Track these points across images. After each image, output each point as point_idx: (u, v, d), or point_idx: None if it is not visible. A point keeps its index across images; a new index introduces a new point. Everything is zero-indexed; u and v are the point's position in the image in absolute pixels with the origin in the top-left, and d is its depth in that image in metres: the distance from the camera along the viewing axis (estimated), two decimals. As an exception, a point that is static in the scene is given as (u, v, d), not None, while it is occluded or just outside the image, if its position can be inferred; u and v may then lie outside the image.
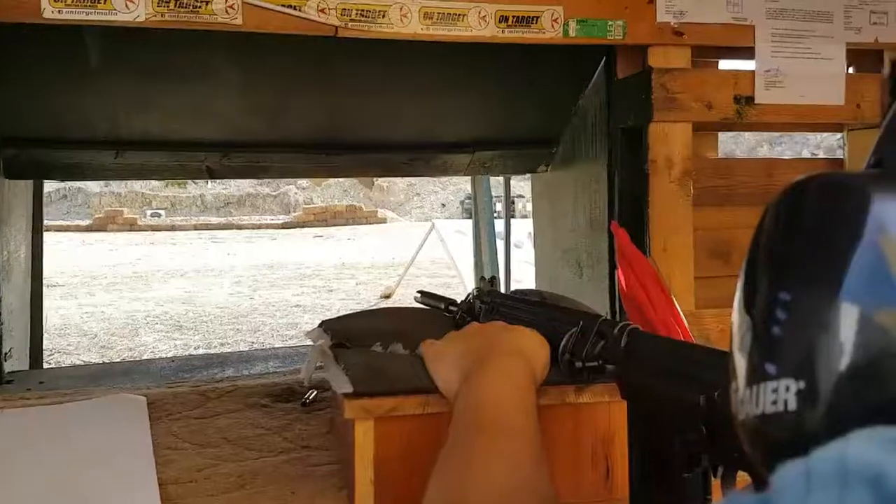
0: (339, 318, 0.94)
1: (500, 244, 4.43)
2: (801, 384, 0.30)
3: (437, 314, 0.99)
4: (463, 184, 28.20)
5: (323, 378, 1.03)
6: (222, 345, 6.60)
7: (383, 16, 1.26)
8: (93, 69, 1.40)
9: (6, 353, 1.38)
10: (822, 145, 19.62)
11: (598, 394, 0.70)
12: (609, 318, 0.73)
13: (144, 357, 6.07)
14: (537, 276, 2.05)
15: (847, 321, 0.29)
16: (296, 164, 1.75)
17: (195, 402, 1.00)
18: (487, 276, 2.83)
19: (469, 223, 11.96)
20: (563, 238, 1.85)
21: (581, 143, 1.73)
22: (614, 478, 0.70)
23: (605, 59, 1.53)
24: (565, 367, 0.71)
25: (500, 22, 1.31)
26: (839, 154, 1.59)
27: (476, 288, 0.93)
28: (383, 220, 24.09)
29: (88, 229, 19.17)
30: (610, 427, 0.70)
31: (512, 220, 3.54)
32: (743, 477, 0.62)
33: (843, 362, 0.29)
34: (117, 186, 25.07)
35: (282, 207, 27.10)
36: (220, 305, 8.80)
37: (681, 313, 1.15)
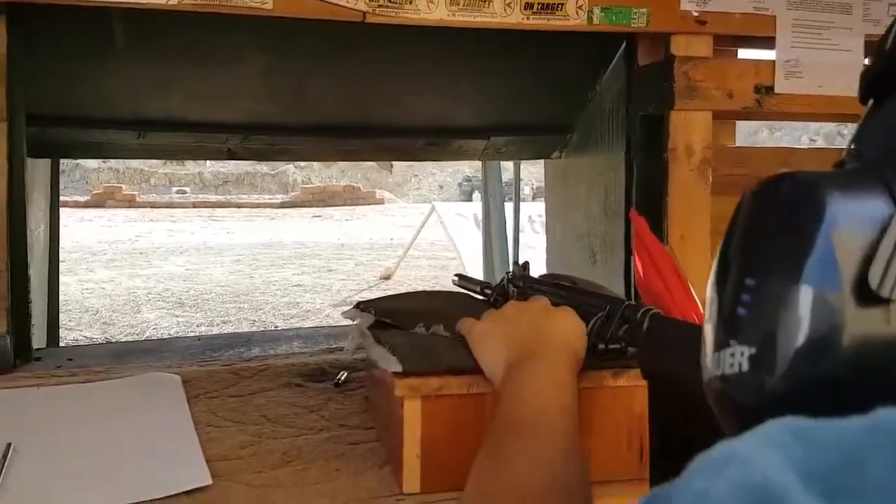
0: (378, 299, 0.96)
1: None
2: (753, 350, 0.35)
3: (474, 297, 1.01)
4: (461, 166, 28.19)
5: (355, 359, 1.05)
6: (224, 323, 6.63)
7: (410, 2, 1.27)
8: (118, 50, 1.41)
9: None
10: (820, 132, 19.62)
11: (634, 377, 0.72)
12: (634, 303, 0.75)
13: (147, 334, 6.10)
14: (549, 261, 2.07)
15: (805, 300, 0.33)
16: (313, 147, 1.76)
17: (229, 381, 1.03)
18: (498, 259, 2.85)
19: (468, 205, 11.96)
20: (576, 224, 1.87)
21: (597, 130, 1.74)
22: (647, 456, 0.72)
23: (624, 46, 1.54)
24: (592, 350, 0.73)
25: (525, 9, 1.32)
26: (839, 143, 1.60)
27: (509, 272, 0.95)
28: (381, 201, 24.06)
29: (87, 205, 19.13)
30: (645, 409, 0.73)
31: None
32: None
33: (801, 336, 0.34)
34: (115, 163, 24.97)
35: (280, 187, 27.05)
36: (220, 283, 8.82)
37: (698, 302, 1.18)
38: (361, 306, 0.92)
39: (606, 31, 1.37)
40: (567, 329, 0.72)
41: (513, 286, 0.93)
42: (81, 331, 6.01)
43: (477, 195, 24.76)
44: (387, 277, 9.08)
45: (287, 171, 27.30)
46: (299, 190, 24.80)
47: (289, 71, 1.59)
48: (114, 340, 5.78)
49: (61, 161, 2.09)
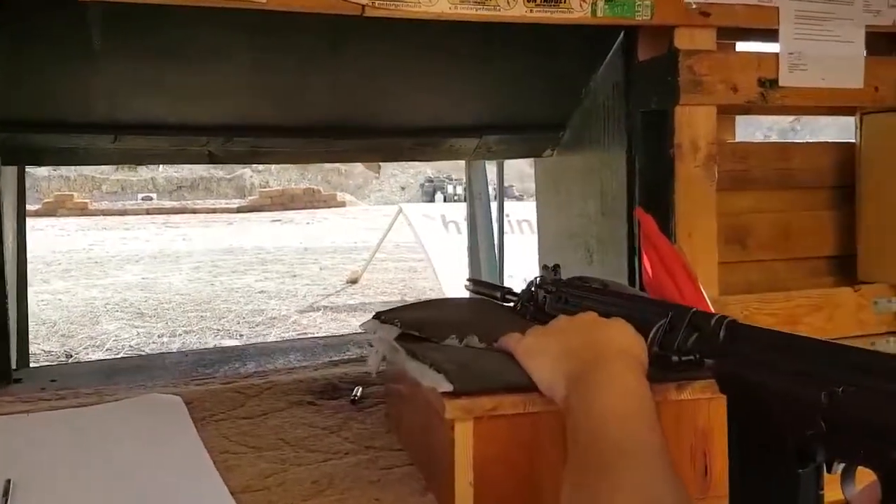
0: (397, 309, 0.89)
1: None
2: None
3: (497, 304, 0.95)
4: (422, 167, 28.12)
5: (365, 374, 0.99)
6: (187, 332, 6.47)
7: (411, -6, 1.21)
8: (93, 48, 1.32)
9: None
10: (774, 128, 20.00)
11: (698, 390, 0.67)
12: (701, 310, 0.70)
13: (107, 346, 5.92)
14: (541, 261, 2.02)
15: None
16: (300, 148, 1.69)
17: (236, 401, 0.95)
18: (485, 261, 2.80)
19: (435, 206, 11.89)
20: (569, 223, 1.83)
21: (591, 127, 1.70)
22: (712, 475, 0.68)
23: (622, 40, 1.49)
24: (655, 360, 0.68)
25: (528, 2, 1.27)
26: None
27: (538, 276, 0.90)
28: (342, 204, 23.88)
29: (37, 214, 18.59)
30: (709, 424, 0.68)
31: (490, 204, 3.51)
32: (863, 472, 0.61)
33: None
34: (66, 170, 24.35)
35: (237, 191, 26.68)
36: (180, 292, 8.63)
37: (708, 300, 1.14)
38: (382, 317, 0.86)
39: (610, 24, 1.33)
40: (627, 337, 0.66)
41: (544, 292, 0.87)
42: (39, 344, 5.80)
43: (439, 196, 24.73)
44: (354, 281, 8.97)
45: (244, 174, 26.94)
46: (257, 194, 24.49)
47: (275, 70, 1.51)
48: (74, 353, 5.60)
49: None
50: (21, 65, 1.33)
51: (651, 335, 0.69)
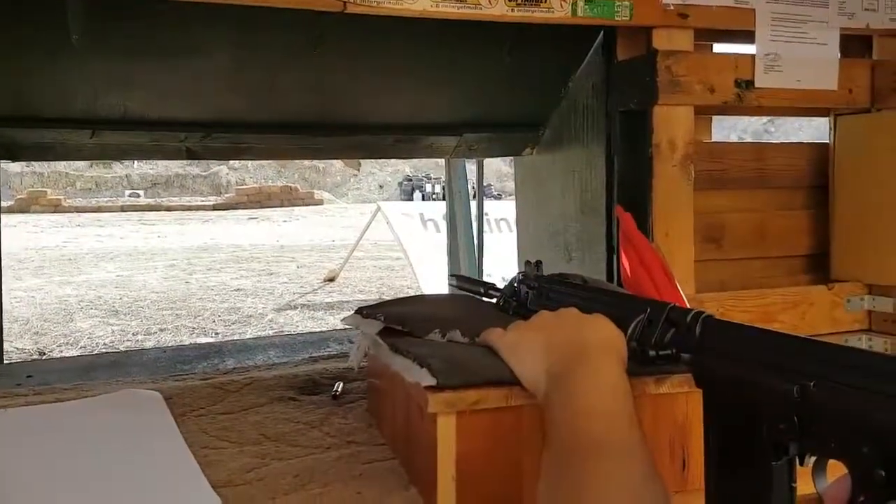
0: (381, 304, 0.90)
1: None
2: None
3: (481, 300, 0.96)
4: (401, 165, 28.08)
5: (345, 369, 0.99)
6: (162, 330, 6.41)
7: (393, -9, 1.21)
8: (71, 42, 1.31)
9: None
10: (748, 129, 20.23)
11: (676, 384, 0.68)
12: (678, 305, 0.71)
13: (81, 344, 5.85)
14: (520, 259, 2.03)
15: None
16: (279, 145, 1.68)
17: (215, 397, 0.95)
18: (465, 259, 2.81)
19: (413, 205, 11.88)
20: (549, 221, 1.84)
21: (570, 126, 1.71)
22: (690, 468, 0.69)
23: (601, 40, 1.51)
24: (633, 355, 0.69)
25: (509, 1, 1.27)
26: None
27: (521, 272, 0.90)
28: (320, 202, 23.77)
29: (10, 210, 18.31)
30: (687, 418, 0.69)
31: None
32: (834, 466, 0.62)
33: None
34: (39, 167, 24.01)
35: (212, 188, 26.46)
36: (155, 290, 8.55)
37: (684, 298, 1.15)
38: (365, 312, 0.86)
39: (589, 24, 1.34)
40: (608, 333, 0.67)
41: (526, 287, 0.88)
42: (12, 341, 5.71)
43: (418, 194, 24.70)
44: (331, 279, 8.94)
45: (220, 172, 26.73)
46: (233, 191, 24.30)
47: (255, 66, 1.51)
48: (47, 351, 5.52)
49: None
50: (-3, 58, 1.31)
51: (629, 330, 0.70)
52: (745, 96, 1.42)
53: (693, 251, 1.42)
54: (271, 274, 9.73)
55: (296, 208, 21.67)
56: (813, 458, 0.63)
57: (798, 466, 0.65)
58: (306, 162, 25.66)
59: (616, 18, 1.34)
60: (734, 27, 1.43)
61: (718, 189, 1.56)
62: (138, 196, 23.54)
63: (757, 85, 1.42)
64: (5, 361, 1.99)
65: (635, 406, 0.59)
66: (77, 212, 20.24)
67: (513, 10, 1.28)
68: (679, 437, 0.69)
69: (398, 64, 1.59)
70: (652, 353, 0.68)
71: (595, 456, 0.54)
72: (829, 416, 0.60)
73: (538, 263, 0.90)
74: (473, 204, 3.65)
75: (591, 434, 0.56)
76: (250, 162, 24.42)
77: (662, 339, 0.69)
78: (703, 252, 1.49)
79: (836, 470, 0.59)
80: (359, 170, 26.46)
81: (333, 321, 6.65)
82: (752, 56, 1.42)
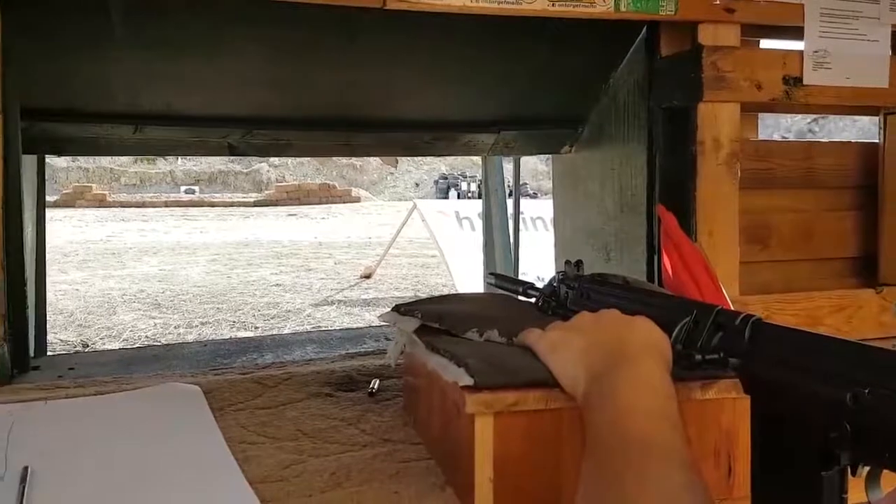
0: (419, 301, 0.89)
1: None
2: None
3: (518, 299, 0.95)
4: (436, 163, 28.11)
5: (380, 366, 0.98)
6: (203, 324, 6.51)
7: (433, -13, 1.20)
8: (115, 38, 1.32)
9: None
10: (791, 129, 19.84)
11: (723, 390, 0.66)
12: (726, 308, 0.69)
13: (124, 336, 5.96)
14: (557, 258, 2.01)
15: None
16: (317, 141, 1.69)
17: (254, 391, 0.95)
18: (500, 257, 2.79)
19: (449, 203, 11.86)
20: (587, 221, 1.82)
21: (610, 124, 1.68)
22: (736, 475, 0.67)
23: (645, 36, 1.48)
24: (679, 358, 0.67)
25: (550, -5, 1.26)
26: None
27: (561, 272, 0.89)
28: (357, 200, 23.92)
29: (56, 205, 18.75)
30: (734, 424, 0.67)
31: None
32: (888, 476, 0.60)
33: None
34: (85, 162, 24.54)
35: (254, 185, 26.77)
36: (197, 284, 8.68)
37: (728, 300, 1.12)
38: (402, 309, 0.85)
39: (633, 18, 1.32)
40: (651, 334, 0.65)
41: (566, 287, 0.86)
42: (56, 333, 5.85)
43: (453, 192, 24.71)
44: (367, 276, 8.98)
45: (261, 169, 27.05)
46: (273, 188, 24.57)
47: (292, 62, 1.51)
48: (90, 343, 5.64)
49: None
50: (42, 53, 1.33)
51: (675, 333, 0.68)
52: (794, 94, 1.38)
53: (738, 252, 1.39)
54: (309, 270, 9.82)
55: (333, 205, 21.83)
56: (866, 469, 0.60)
57: (850, 476, 0.62)
58: (344, 159, 25.83)
59: (660, 13, 1.32)
60: (782, 23, 1.39)
61: (764, 189, 1.52)
62: (193, 192, 24.02)
63: (805, 82, 1.38)
64: (49, 353, 2.04)
65: (679, 410, 0.58)
66: (122, 206, 20.65)
67: (553, 5, 1.26)
68: (725, 444, 0.67)
69: (435, 60, 1.58)
70: (698, 356, 0.66)
71: (637, 457, 0.53)
72: (884, 425, 0.57)
73: (578, 263, 0.89)
74: (510, 202, 3.64)
75: (633, 434, 0.55)
76: (290, 159, 24.71)
77: (709, 342, 0.67)
78: (747, 253, 1.46)
79: (892, 480, 0.57)
80: (396, 167, 26.56)
81: (369, 317, 6.69)
82: (801, 52, 1.39)
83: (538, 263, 3.83)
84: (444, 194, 24.40)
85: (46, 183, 2.03)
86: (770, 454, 0.61)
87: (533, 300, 0.92)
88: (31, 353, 1.67)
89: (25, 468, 0.69)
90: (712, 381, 0.66)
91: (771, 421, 0.64)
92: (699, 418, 0.66)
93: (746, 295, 1.40)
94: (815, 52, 1.39)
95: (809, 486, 0.62)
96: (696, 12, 1.33)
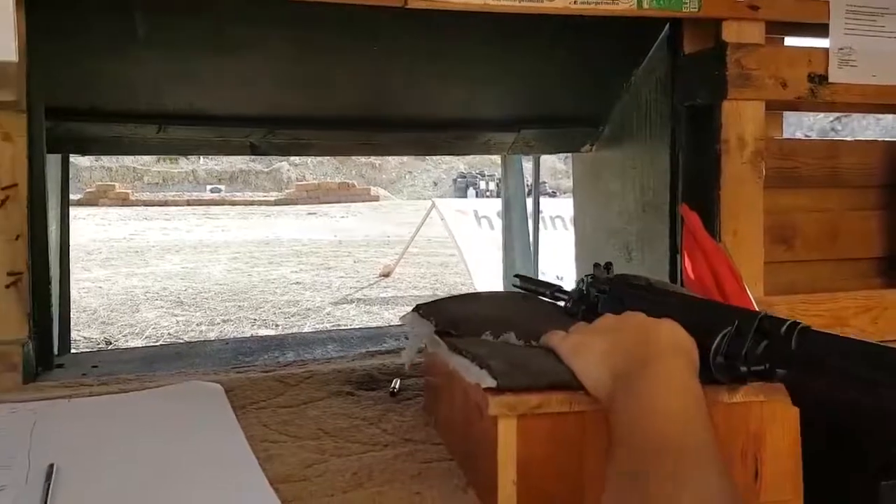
0: (434, 302, 0.89)
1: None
2: None
3: (542, 301, 0.94)
4: (455, 162, 28.10)
5: (401, 366, 0.98)
6: (225, 321, 6.55)
7: (453, -14, 1.20)
8: (137, 37, 1.33)
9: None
10: (814, 127, 19.60)
11: (751, 393, 0.65)
12: (771, 315, 0.66)
13: (147, 334, 6.01)
14: (577, 258, 2.00)
15: None
16: (338, 141, 1.69)
17: (276, 390, 0.96)
18: (519, 257, 2.78)
19: (468, 202, 11.84)
20: (608, 220, 1.81)
21: (632, 122, 1.67)
22: (763, 478, 0.66)
23: (667, 33, 1.47)
24: (721, 370, 0.64)
25: (572, -7, 1.25)
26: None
27: (589, 275, 0.88)
28: (376, 198, 23.97)
29: (79, 204, 18.95)
30: (761, 427, 0.66)
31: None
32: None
33: None
34: (108, 161, 24.79)
35: (274, 184, 26.92)
36: (218, 282, 8.73)
37: (753, 302, 1.11)
38: (421, 311, 0.85)
39: (655, 16, 1.31)
40: (679, 336, 0.64)
41: (595, 290, 0.85)
42: (80, 330, 5.91)
43: (472, 191, 24.69)
44: (386, 275, 9.00)
45: (281, 168, 27.19)
46: (293, 187, 24.69)
47: (314, 62, 1.51)
48: (113, 341, 5.70)
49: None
50: (66, 54, 1.34)
51: (715, 343, 0.64)
52: (819, 92, 1.36)
53: (763, 252, 1.37)
54: (329, 268, 9.85)
55: (353, 204, 21.89)
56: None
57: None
58: (363, 158, 25.89)
59: (683, 10, 1.31)
60: (807, 20, 1.38)
61: (789, 188, 1.50)
62: (219, 191, 24.28)
63: (830, 80, 1.36)
64: (73, 351, 2.06)
65: (709, 411, 0.57)
66: (144, 205, 20.84)
67: (575, 3, 1.25)
68: (752, 447, 0.66)
69: (455, 59, 1.58)
70: (743, 368, 0.63)
71: (668, 458, 0.52)
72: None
73: (608, 265, 0.87)
74: (529, 201, 3.62)
75: (663, 434, 0.54)
76: (310, 158, 24.83)
77: (754, 352, 0.63)
78: (771, 253, 1.44)
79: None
80: (424, 160, 26.50)
81: (388, 316, 6.69)
82: (826, 50, 1.37)
83: (557, 263, 3.81)
84: (463, 193, 24.38)
85: (70, 182, 2.05)
86: (822, 467, 0.59)
87: (562, 304, 0.91)
88: (56, 351, 1.69)
89: (51, 465, 0.70)
90: (739, 384, 0.65)
91: (823, 433, 0.62)
92: (726, 421, 0.65)
93: (771, 295, 1.38)
94: (841, 49, 1.37)
95: (866, 498, 0.60)
96: (720, 9, 1.31)
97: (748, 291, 1.10)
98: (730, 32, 1.33)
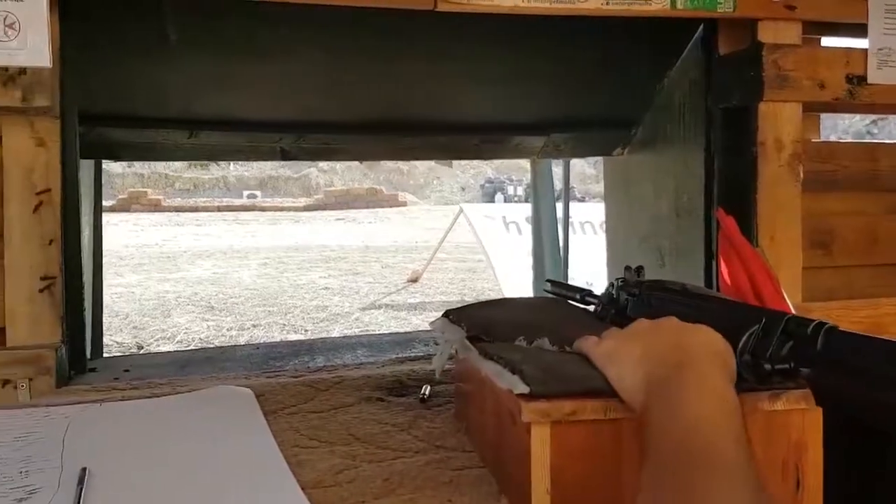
0: (464, 307, 0.87)
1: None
2: None
3: (574, 306, 0.92)
4: (483, 167, 28.08)
5: (431, 371, 0.97)
6: (255, 326, 6.59)
7: (484, -12, 1.19)
8: (169, 42, 1.34)
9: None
10: (849, 130, 19.28)
11: (792, 401, 0.63)
12: (797, 315, 0.65)
13: (178, 338, 6.07)
14: (609, 263, 1.98)
15: None
16: (367, 145, 1.69)
17: (306, 395, 0.95)
18: (549, 262, 2.76)
19: (496, 207, 11.80)
20: (641, 225, 1.78)
21: (665, 125, 1.65)
22: (804, 489, 0.64)
23: (701, 34, 1.44)
24: (747, 369, 0.63)
25: (604, -5, 1.23)
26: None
27: (620, 278, 0.86)
28: (403, 204, 24.03)
29: (112, 210, 19.24)
30: (803, 436, 0.64)
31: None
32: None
33: None
34: (140, 168, 25.15)
35: (303, 190, 27.10)
36: (248, 287, 8.79)
37: (791, 307, 1.08)
38: (452, 317, 0.84)
39: (689, 17, 1.29)
40: (713, 342, 0.63)
41: (626, 294, 0.83)
42: (112, 335, 5.98)
43: (499, 196, 24.64)
44: (414, 280, 9.00)
45: (310, 174, 27.38)
46: (322, 193, 24.85)
47: (344, 67, 1.52)
48: (145, 345, 5.76)
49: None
50: (99, 60, 1.36)
51: (742, 341, 0.64)
52: (857, 93, 1.33)
53: (801, 257, 1.34)
54: (357, 274, 9.88)
55: (381, 209, 21.96)
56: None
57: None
58: (391, 164, 25.99)
59: (718, 10, 1.28)
60: (845, 20, 1.35)
61: (827, 191, 1.47)
62: (256, 196, 24.60)
63: (869, 81, 1.33)
64: (105, 355, 2.07)
65: (744, 423, 0.55)
66: (176, 211, 21.10)
67: (607, 4, 1.24)
68: (793, 457, 0.64)
69: (484, 63, 1.57)
70: (767, 366, 0.62)
71: (703, 468, 0.50)
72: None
73: (639, 269, 0.86)
74: (558, 206, 3.59)
75: (697, 444, 0.52)
76: (339, 164, 24.98)
77: (779, 351, 0.63)
78: (809, 258, 1.41)
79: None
80: (451, 166, 26.56)
81: (416, 321, 6.69)
82: (865, 51, 1.34)
83: (587, 268, 3.78)
84: (491, 198, 24.33)
85: (103, 188, 2.07)
86: (845, 468, 0.58)
87: (591, 308, 0.89)
88: (88, 355, 1.70)
89: (84, 469, 0.70)
90: (781, 391, 0.63)
91: (847, 435, 0.61)
92: (766, 430, 0.63)
93: (809, 301, 1.35)
94: (880, 49, 1.34)
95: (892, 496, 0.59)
96: (756, 9, 1.29)
97: (786, 297, 1.07)
98: (766, 33, 1.30)
